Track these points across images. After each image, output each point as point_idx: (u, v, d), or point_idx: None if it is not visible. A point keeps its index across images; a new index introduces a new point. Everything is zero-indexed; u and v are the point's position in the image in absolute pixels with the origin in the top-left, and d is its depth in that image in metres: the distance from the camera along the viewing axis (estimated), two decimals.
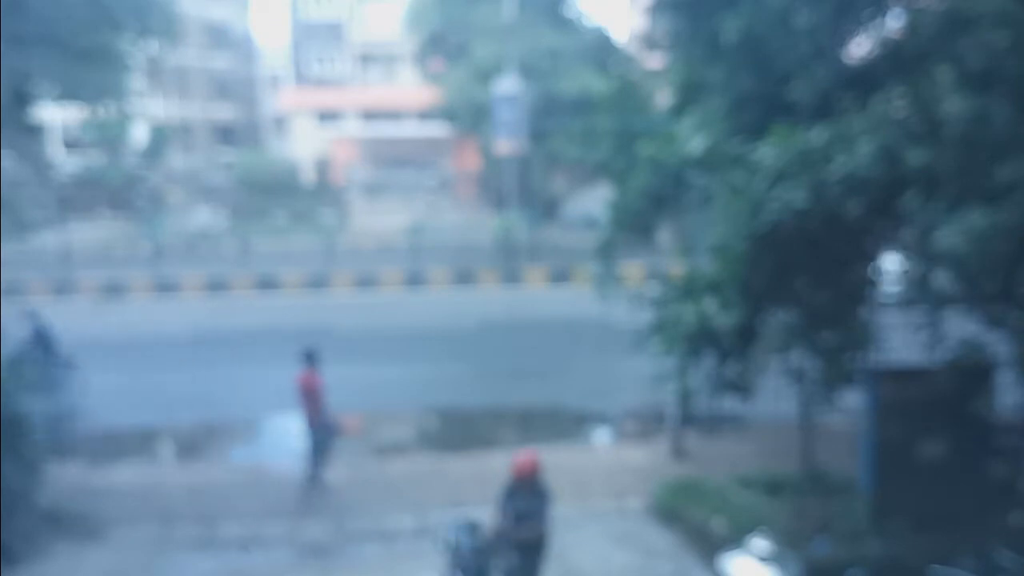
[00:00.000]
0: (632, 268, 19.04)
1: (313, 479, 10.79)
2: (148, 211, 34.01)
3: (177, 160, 43.10)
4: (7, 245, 16.91)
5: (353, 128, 45.30)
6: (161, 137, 39.96)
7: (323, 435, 10.79)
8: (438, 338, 18.39)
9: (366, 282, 24.93)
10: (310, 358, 10.74)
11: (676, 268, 12.10)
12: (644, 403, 12.98)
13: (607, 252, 12.21)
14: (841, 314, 8.41)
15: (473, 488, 10.19)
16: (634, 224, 11.60)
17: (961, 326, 8.50)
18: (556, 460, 11.37)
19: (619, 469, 11.39)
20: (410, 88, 43.20)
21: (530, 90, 28.92)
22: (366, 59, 48.00)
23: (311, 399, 10.65)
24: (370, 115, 45.43)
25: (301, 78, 48.15)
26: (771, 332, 8.65)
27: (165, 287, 24.81)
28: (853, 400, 8.99)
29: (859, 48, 9.27)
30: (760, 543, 7.07)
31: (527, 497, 7.42)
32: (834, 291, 8.27)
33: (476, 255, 26.94)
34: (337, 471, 11.58)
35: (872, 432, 8.69)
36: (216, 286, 24.85)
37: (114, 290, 24.13)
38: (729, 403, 9.48)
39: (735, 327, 8.51)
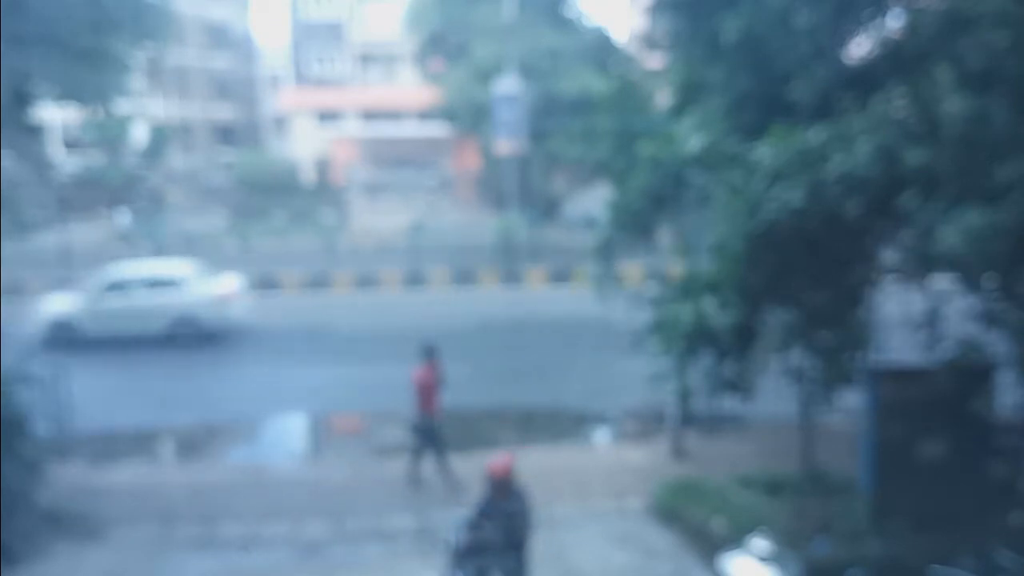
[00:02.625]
0: (632, 268, 19.04)
1: (442, 474, 10.72)
2: (148, 211, 33.98)
3: (177, 160, 43.11)
4: (7, 245, 16.90)
5: (353, 128, 45.30)
6: (161, 137, 39.96)
7: (434, 430, 10.74)
8: (438, 338, 18.33)
9: (366, 282, 24.91)
10: (429, 354, 10.80)
11: (675, 268, 12.12)
12: (644, 403, 12.97)
13: (606, 252, 12.23)
14: (840, 314, 8.40)
15: (473, 488, 10.16)
16: (634, 224, 11.62)
17: (961, 326, 8.49)
18: (556, 460, 11.41)
19: (619, 469, 11.39)
20: (410, 88, 43.18)
21: (530, 90, 28.88)
22: (366, 59, 47.99)
23: (426, 394, 10.67)
24: (370, 115, 45.43)
25: (301, 78, 48.12)
26: (770, 332, 8.64)
27: None
28: (853, 400, 8.98)
29: (859, 48, 9.27)
30: (760, 543, 7.06)
31: (507, 501, 7.32)
32: (833, 291, 8.26)
33: (476, 255, 26.89)
34: (338, 471, 11.61)
35: (872, 432, 8.69)
36: None
37: None
38: (729, 403, 9.49)
39: (734, 327, 8.51)
